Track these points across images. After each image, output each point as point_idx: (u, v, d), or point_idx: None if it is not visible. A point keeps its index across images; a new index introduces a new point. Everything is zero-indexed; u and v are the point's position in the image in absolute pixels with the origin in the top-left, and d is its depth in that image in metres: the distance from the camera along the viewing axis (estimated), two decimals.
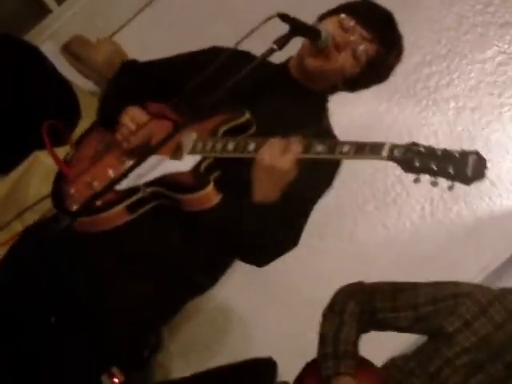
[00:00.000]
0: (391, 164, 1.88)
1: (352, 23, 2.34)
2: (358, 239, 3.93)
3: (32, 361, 2.35)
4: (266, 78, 2.44)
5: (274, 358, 3.23)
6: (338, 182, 2.40)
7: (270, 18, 2.18)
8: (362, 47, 2.34)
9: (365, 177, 4.00)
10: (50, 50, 4.27)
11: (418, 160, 1.83)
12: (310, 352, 2.65)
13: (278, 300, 3.66)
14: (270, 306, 3.69)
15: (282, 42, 2.18)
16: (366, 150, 1.93)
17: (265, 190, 2.13)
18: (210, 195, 2.17)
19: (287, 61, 2.50)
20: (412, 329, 2.56)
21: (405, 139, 3.91)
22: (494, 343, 2.44)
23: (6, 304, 2.38)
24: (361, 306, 2.56)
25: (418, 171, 1.83)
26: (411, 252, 3.82)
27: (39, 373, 2.36)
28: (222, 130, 2.25)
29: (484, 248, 3.81)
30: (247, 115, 2.26)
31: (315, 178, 2.27)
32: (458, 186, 1.81)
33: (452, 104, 4.12)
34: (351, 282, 2.70)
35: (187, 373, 3.37)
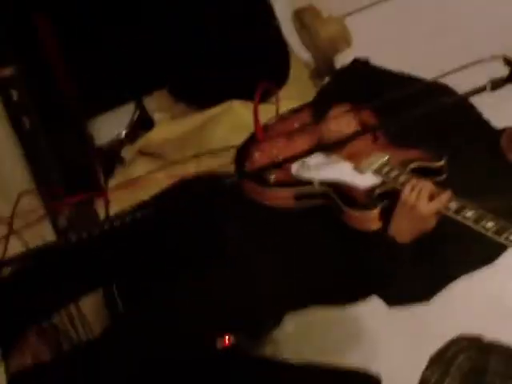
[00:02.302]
0: None
1: None
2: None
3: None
4: (476, 133, 2.44)
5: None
6: None
7: (494, 58, 2.15)
8: None
9: None
10: (283, 8, 4.36)
11: None
12: None
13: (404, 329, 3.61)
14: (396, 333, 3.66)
15: (496, 85, 2.12)
16: (506, 231, 1.89)
17: (398, 228, 2.15)
18: (372, 219, 2.18)
19: (502, 130, 2.46)
20: None
21: None
22: None
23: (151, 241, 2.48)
24: (472, 363, 2.45)
25: None
26: None
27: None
28: (413, 164, 2.26)
29: None
30: (443, 162, 2.25)
31: (479, 252, 2.24)
32: None
33: None
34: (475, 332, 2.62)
35: (294, 358, 3.40)
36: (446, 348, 2.50)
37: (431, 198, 2.07)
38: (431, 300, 2.32)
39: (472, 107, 2.49)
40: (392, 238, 2.16)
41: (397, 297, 2.33)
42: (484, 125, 2.52)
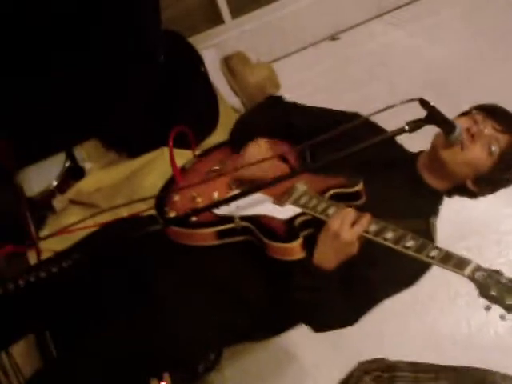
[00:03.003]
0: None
1: (484, 117, 2.44)
2: (438, 328, 3.87)
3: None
4: (392, 158, 2.53)
5: None
6: None
7: (410, 101, 2.23)
8: (495, 137, 2.41)
9: None
10: (211, 57, 4.44)
11: (496, 290, 1.80)
12: None
13: (340, 359, 3.66)
14: (332, 364, 3.69)
15: (414, 126, 2.22)
16: (451, 261, 1.92)
17: (323, 255, 2.18)
18: (295, 250, 2.22)
19: (418, 153, 2.56)
20: None
21: None
22: None
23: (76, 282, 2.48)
24: (377, 382, 2.47)
25: (492, 300, 1.80)
26: (485, 360, 3.75)
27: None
28: (331, 192, 2.32)
29: None
30: (359, 187, 2.32)
31: (401, 272, 2.30)
32: None
33: None
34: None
35: None
36: (349, 375, 2.51)
37: (353, 223, 2.12)
38: (357, 323, 2.35)
39: (400, 146, 2.60)
40: (317, 267, 2.19)
41: (322, 323, 2.36)
42: (400, 149, 2.64)
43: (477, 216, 4.04)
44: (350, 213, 2.15)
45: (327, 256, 2.18)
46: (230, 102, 4.36)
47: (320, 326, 2.38)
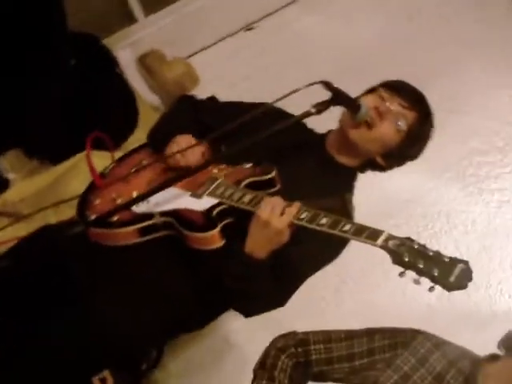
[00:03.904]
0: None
1: (390, 94, 2.50)
2: (373, 300, 3.93)
3: (24, 351, 2.44)
4: (302, 142, 2.58)
5: None
6: None
7: (313, 84, 2.29)
8: (402, 114, 2.47)
9: None
10: (127, 57, 4.44)
11: (409, 255, 1.87)
12: None
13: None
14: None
15: (320, 108, 2.29)
16: (363, 233, 1.99)
17: (255, 244, 2.23)
18: (214, 239, 2.27)
19: (326, 133, 2.61)
20: (348, 380, 2.45)
21: (442, 220, 4.03)
22: None
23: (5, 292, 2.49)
24: (295, 359, 2.47)
25: (405, 266, 1.87)
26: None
27: (29, 362, 2.44)
28: (246, 181, 2.37)
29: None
30: (273, 174, 2.37)
31: (320, 248, 2.36)
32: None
33: (496, 196, 4.14)
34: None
35: None
36: (264, 355, 2.51)
37: (282, 212, 2.16)
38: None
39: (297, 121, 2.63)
40: (249, 255, 2.24)
41: (253, 308, 2.42)
42: (309, 132, 2.69)
43: (403, 192, 4.15)
44: (278, 202, 2.19)
45: (259, 245, 2.23)
46: (150, 101, 4.36)
47: (251, 311, 2.44)
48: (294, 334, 2.54)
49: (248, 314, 2.44)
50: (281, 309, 2.45)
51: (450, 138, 4.20)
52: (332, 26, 4.91)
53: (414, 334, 2.42)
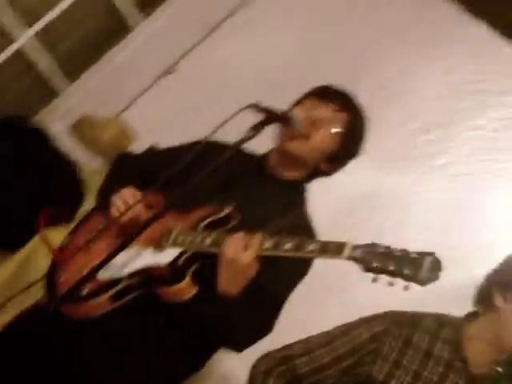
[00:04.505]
0: None
1: (320, 101, 2.54)
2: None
3: None
4: (246, 168, 2.60)
5: None
6: None
7: (242, 110, 2.32)
8: (335, 118, 2.51)
9: None
10: (60, 130, 4.45)
11: (377, 261, 1.91)
12: None
13: None
14: None
15: (255, 131, 2.31)
16: (328, 250, 2.03)
17: (227, 283, 2.25)
18: (186, 289, 2.28)
19: (267, 153, 2.65)
20: (342, 381, 2.43)
21: (399, 207, 4.07)
22: (429, 373, 2.33)
23: None
24: (283, 379, 2.45)
25: (376, 272, 1.91)
26: None
27: None
28: (203, 223, 2.38)
29: None
30: (227, 210, 2.39)
31: (289, 268, 2.36)
32: None
33: (448, 171, 4.19)
34: None
35: None
36: (251, 379, 2.49)
37: (246, 246, 2.17)
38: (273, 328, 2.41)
39: (250, 155, 2.68)
40: (223, 294, 2.25)
41: (242, 341, 2.41)
42: (249, 156, 2.69)
43: (358, 189, 4.18)
44: (239, 238, 2.20)
45: (230, 282, 2.24)
46: (93, 166, 4.36)
47: (241, 346, 2.44)
48: (273, 353, 2.52)
49: (239, 349, 2.44)
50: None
51: (390, 125, 4.25)
52: (251, 47, 4.91)
53: (389, 318, 2.44)
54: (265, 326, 2.40)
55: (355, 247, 1.97)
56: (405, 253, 1.90)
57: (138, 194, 2.49)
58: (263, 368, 2.47)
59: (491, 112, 4.29)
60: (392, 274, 1.88)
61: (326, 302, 3.87)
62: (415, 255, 1.89)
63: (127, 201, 2.46)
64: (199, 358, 2.58)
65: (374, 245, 1.95)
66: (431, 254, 1.89)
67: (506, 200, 4.06)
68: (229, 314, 2.28)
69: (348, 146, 2.57)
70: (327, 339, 2.46)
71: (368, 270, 1.92)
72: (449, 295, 3.57)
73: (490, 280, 2.38)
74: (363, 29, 4.80)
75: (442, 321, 2.43)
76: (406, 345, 2.36)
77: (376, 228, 3.59)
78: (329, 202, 3.80)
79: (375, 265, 1.90)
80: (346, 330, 2.47)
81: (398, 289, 1.88)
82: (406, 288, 1.86)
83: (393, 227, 3.95)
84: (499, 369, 2.19)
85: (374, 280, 1.91)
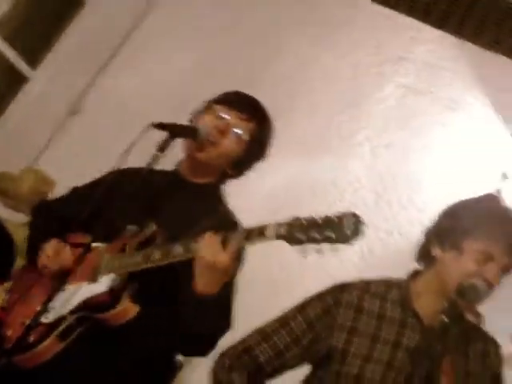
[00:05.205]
0: None
1: (226, 108, 2.53)
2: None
3: None
4: (165, 186, 2.59)
5: None
6: None
7: (146, 131, 2.34)
8: (241, 125, 2.52)
9: None
10: None
11: (302, 233, 1.95)
12: None
13: None
14: None
15: (163, 147, 2.34)
16: (253, 234, 2.07)
17: (207, 284, 2.23)
18: (127, 309, 2.29)
19: (178, 166, 2.65)
20: (304, 359, 2.44)
21: (332, 191, 4.12)
22: (385, 335, 2.36)
23: None
24: (246, 370, 2.42)
25: (302, 243, 1.95)
26: None
27: None
28: (131, 246, 2.38)
29: None
30: (151, 228, 2.39)
31: None
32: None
33: (367, 146, 4.25)
34: None
35: None
36: (216, 381, 2.45)
37: (222, 246, 2.16)
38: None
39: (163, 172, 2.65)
40: (203, 295, 2.23)
41: (208, 342, 2.39)
42: (162, 173, 2.63)
43: (279, 183, 4.21)
44: (214, 238, 2.19)
45: (212, 283, 2.23)
46: (19, 220, 4.30)
47: (207, 347, 2.40)
48: (232, 347, 2.47)
49: (205, 351, 2.42)
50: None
51: (300, 114, 4.30)
52: (145, 72, 4.92)
53: (338, 289, 2.44)
54: (229, 321, 2.40)
55: (278, 225, 2.01)
56: (326, 218, 1.94)
57: (62, 245, 2.48)
58: (226, 364, 2.43)
59: (395, 79, 4.37)
60: (317, 241, 1.94)
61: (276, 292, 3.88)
62: (336, 218, 1.93)
63: (52, 256, 2.46)
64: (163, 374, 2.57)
65: (296, 218, 1.99)
66: (350, 212, 1.94)
67: (430, 160, 4.15)
68: (207, 313, 2.27)
69: (253, 152, 2.59)
70: (282, 322, 2.44)
71: (294, 243, 1.97)
72: (391, 261, 3.64)
73: (427, 235, 2.43)
74: (259, 24, 4.84)
75: (388, 284, 2.46)
76: (358, 311, 2.37)
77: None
78: (251, 197, 3.83)
79: (300, 237, 1.95)
80: (299, 309, 2.45)
81: (327, 254, 1.94)
82: (333, 250, 1.93)
83: (325, 211, 3.97)
84: (444, 317, 2.23)
85: (303, 251, 1.96)
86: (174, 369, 2.61)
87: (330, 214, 1.95)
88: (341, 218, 1.93)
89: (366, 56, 4.51)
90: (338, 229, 1.92)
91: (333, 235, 1.92)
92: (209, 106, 2.61)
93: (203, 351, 2.43)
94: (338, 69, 4.52)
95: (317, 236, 1.93)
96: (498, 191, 3.92)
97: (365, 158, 4.22)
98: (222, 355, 2.43)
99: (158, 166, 2.52)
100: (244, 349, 2.43)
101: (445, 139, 4.25)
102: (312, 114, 4.40)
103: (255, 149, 2.59)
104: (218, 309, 2.30)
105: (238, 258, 2.33)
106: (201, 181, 2.60)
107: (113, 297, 2.28)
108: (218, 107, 2.56)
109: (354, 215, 1.94)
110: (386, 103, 4.32)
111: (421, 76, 4.39)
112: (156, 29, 5.07)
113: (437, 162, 4.18)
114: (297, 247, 1.97)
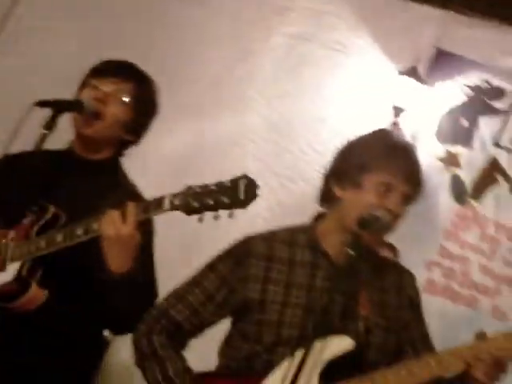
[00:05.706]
0: None
1: (100, 78, 2.55)
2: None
3: None
4: (60, 166, 2.57)
5: None
6: None
7: (30, 110, 2.30)
8: (119, 90, 2.53)
9: None
10: None
11: (196, 201, 1.98)
12: None
13: None
14: None
15: (50, 125, 2.34)
16: (151, 207, 2.12)
17: (117, 260, 2.23)
18: (35, 295, 2.30)
19: (71, 144, 2.61)
20: (223, 316, 2.45)
21: (234, 148, 4.12)
22: (299, 279, 2.38)
23: None
24: (165, 331, 2.40)
25: (199, 211, 1.99)
26: None
27: None
28: (33, 231, 2.37)
29: None
30: (51, 210, 2.39)
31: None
32: None
33: (262, 100, 4.28)
34: None
35: None
36: (138, 348, 2.39)
37: (123, 219, 2.17)
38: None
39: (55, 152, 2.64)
40: (117, 273, 2.23)
41: (135, 319, 2.39)
42: (55, 154, 2.64)
43: (185, 149, 4.19)
44: (113, 213, 2.19)
45: (121, 258, 2.23)
46: None
47: (133, 322, 2.40)
48: (148, 315, 2.44)
49: (131, 327, 2.41)
50: None
51: (198, 77, 4.28)
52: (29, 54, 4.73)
53: (247, 241, 2.44)
54: (149, 295, 2.45)
55: (173, 196, 2.04)
56: (219, 184, 1.99)
57: None
58: (144, 330, 2.41)
59: (281, 30, 4.41)
60: (213, 207, 1.98)
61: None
62: (229, 183, 1.98)
63: None
64: (92, 354, 2.58)
65: (189, 188, 2.02)
66: (243, 176, 1.98)
67: (325, 104, 4.24)
68: (110, 299, 2.29)
69: (141, 111, 2.60)
70: (195, 281, 2.44)
71: (191, 212, 2.00)
72: (300, 208, 3.66)
73: (326, 177, 2.46)
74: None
75: (294, 230, 2.48)
76: (269, 260, 2.38)
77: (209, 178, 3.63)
78: (153, 165, 3.81)
79: (195, 205, 1.98)
80: (210, 266, 2.45)
81: (224, 220, 1.97)
82: (230, 215, 1.97)
83: (229, 169, 3.98)
84: (350, 250, 2.26)
85: (200, 220, 2.00)
86: (102, 345, 2.65)
87: (223, 180, 1.99)
88: (235, 182, 1.97)
89: (249, 11, 4.48)
90: (232, 194, 1.96)
91: (227, 200, 1.96)
92: (85, 81, 2.60)
93: (132, 327, 2.42)
94: (223, 27, 4.48)
95: (212, 203, 1.97)
96: (396, 123, 4.02)
97: (261, 112, 4.22)
98: (141, 323, 2.41)
99: (51, 146, 2.51)
100: (160, 312, 2.42)
101: (338, 83, 4.27)
102: (203, 73, 4.36)
103: (142, 107, 2.59)
104: (139, 283, 2.30)
105: (145, 231, 2.34)
106: (97, 157, 2.58)
107: (21, 285, 2.27)
108: (92, 80, 2.56)
109: (247, 178, 1.97)
110: (276, 54, 4.33)
111: (306, 23, 4.39)
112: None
113: (332, 106, 4.21)
114: (195, 216, 2.00)
